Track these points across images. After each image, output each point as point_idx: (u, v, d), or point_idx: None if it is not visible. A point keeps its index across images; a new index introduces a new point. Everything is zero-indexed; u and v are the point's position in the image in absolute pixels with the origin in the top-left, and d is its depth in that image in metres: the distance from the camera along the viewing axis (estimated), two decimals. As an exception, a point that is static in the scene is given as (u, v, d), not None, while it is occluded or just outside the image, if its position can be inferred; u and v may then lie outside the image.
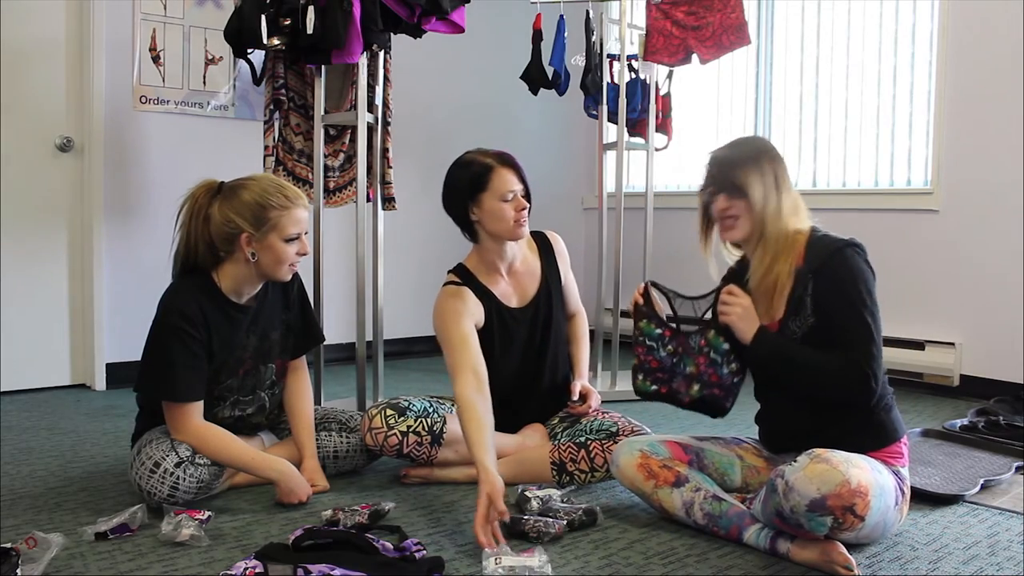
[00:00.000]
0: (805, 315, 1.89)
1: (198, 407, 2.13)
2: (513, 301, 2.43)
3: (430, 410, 2.33)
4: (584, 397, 2.44)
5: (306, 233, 2.19)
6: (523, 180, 2.32)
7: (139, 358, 2.14)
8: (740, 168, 1.95)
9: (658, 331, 2.12)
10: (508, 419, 2.43)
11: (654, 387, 2.12)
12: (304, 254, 2.17)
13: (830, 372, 1.86)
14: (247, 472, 2.17)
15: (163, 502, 2.04)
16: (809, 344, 1.89)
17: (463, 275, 2.39)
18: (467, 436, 2.03)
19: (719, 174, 1.98)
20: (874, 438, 1.90)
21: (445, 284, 2.39)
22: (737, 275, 2.10)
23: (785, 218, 1.93)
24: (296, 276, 2.31)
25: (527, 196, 2.33)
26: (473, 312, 2.31)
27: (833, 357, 1.87)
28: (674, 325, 2.13)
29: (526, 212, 2.30)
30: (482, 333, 2.31)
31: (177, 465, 2.05)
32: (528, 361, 2.45)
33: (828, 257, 1.88)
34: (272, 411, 2.38)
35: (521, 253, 2.46)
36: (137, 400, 2.30)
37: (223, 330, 2.16)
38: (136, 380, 2.17)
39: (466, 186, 2.31)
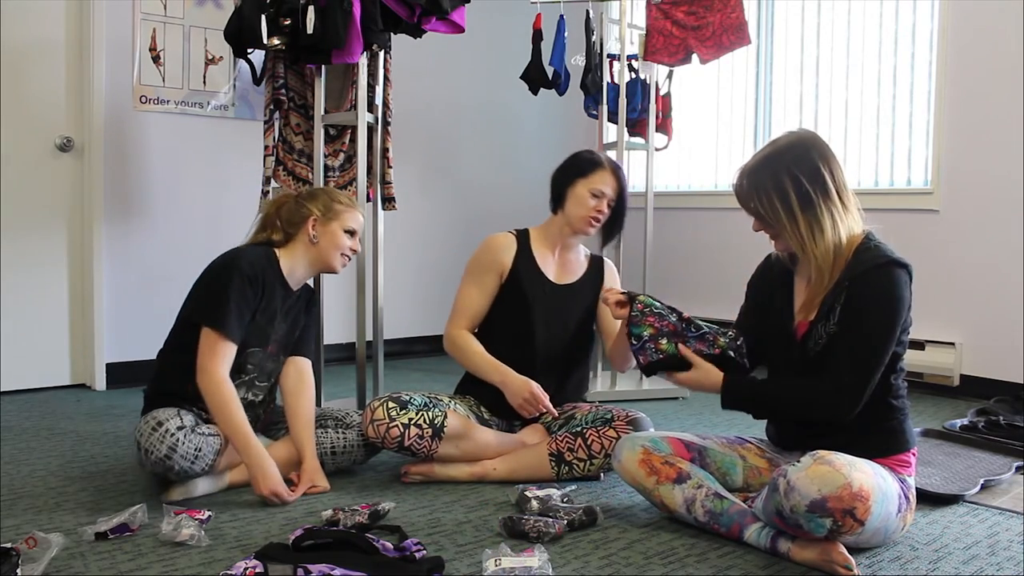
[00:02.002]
0: (831, 323, 1.87)
1: (231, 353, 2.20)
2: (550, 274, 2.56)
3: (431, 404, 2.35)
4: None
5: (361, 241, 2.47)
6: (620, 195, 2.53)
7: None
8: (754, 198, 1.90)
9: (658, 302, 2.08)
10: (510, 415, 2.44)
11: (676, 347, 2.06)
12: (356, 251, 2.44)
13: (807, 400, 1.89)
14: (232, 440, 2.16)
15: (157, 464, 2.05)
16: (831, 346, 1.87)
17: (522, 233, 2.60)
18: (475, 356, 2.45)
19: (741, 200, 1.94)
20: (884, 445, 1.89)
21: (505, 232, 2.61)
22: (773, 269, 2.08)
23: (825, 233, 1.85)
24: (316, 299, 2.54)
25: (616, 211, 2.53)
26: (503, 265, 2.53)
27: (811, 384, 1.88)
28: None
29: (602, 216, 2.51)
30: (506, 285, 2.52)
31: (179, 429, 2.09)
32: (538, 337, 2.49)
33: (868, 271, 1.83)
34: (269, 405, 2.43)
35: (576, 253, 2.64)
36: (145, 395, 2.31)
37: (271, 300, 2.31)
38: (185, 308, 2.29)
39: (573, 168, 2.55)
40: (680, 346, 2.04)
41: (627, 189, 2.55)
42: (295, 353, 2.43)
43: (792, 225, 1.86)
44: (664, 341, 2.06)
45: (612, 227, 2.58)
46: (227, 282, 2.22)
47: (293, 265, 2.38)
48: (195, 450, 2.09)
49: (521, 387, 2.36)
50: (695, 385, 2.03)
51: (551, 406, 2.37)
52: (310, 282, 2.55)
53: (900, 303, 1.83)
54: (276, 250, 2.38)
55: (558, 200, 2.56)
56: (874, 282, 1.82)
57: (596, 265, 2.65)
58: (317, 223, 2.38)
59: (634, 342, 2.08)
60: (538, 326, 2.50)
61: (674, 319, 2.06)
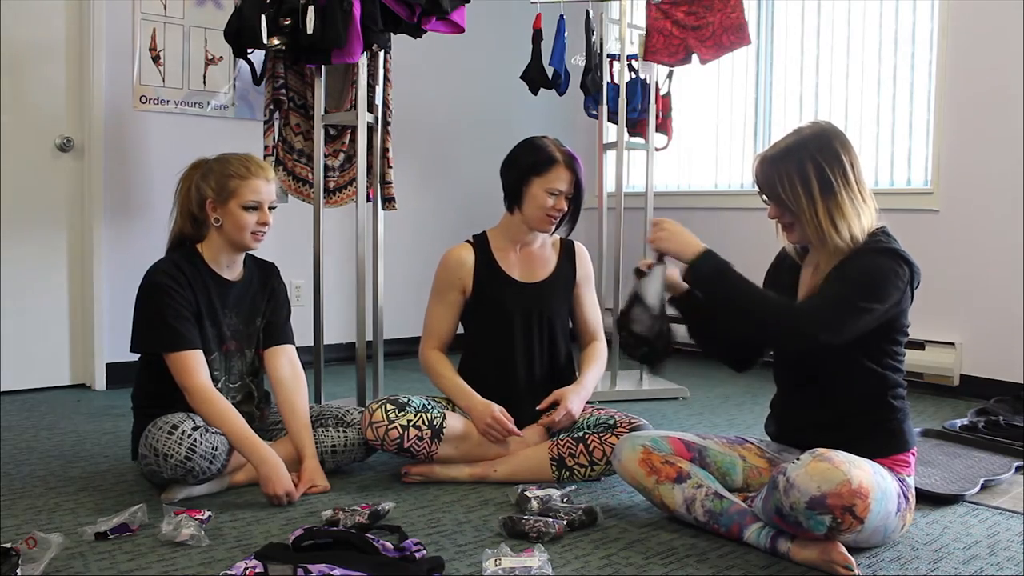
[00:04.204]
0: None
1: (201, 360, 2.18)
2: (515, 273, 2.50)
3: (430, 406, 2.36)
4: (556, 403, 2.41)
5: (272, 208, 2.30)
6: (577, 187, 2.45)
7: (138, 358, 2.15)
8: (776, 183, 1.89)
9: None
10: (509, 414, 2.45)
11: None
12: (265, 223, 2.28)
13: (765, 305, 1.86)
14: (236, 446, 2.16)
15: (177, 467, 2.04)
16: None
17: (479, 239, 2.54)
18: (442, 380, 2.44)
19: (762, 183, 1.94)
20: (884, 444, 1.89)
21: (462, 244, 2.55)
22: (784, 261, 2.09)
23: (847, 221, 1.84)
24: (278, 275, 2.45)
25: (575, 203, 2.46)
26: (464, 280, 2.48)
27: (779, 297, 1.89)
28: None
29: (560, 214, 2.43)
30: (474, 299, 2.48)
31: (195, 429, 2.08)
32: (521, 339, 2.47)
33: (861, 251, 1.84)
34: (259, 401, 2.42)
35: (541, 242, 2.56)
36: (132, 399, 2.32)
37: (206, 294, 2.26)
38: (131, 341, 2.25)
39: (527, 165, 2.43)
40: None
41: (583, 178, 2.45)
42: (275, 342, 2.40)
43: (811, 211, 1.86)
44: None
45: (568, 218, 2.49)
46: (153, 302, 2.20)
47: (215, 253, 2.30)
48: (212, 449, 2.09)
49: (483, 412, 2.34)
50: (676, 239, 1.97)
51: (516, 429, 2.35)
52: (270, 259, 2.48)
53: (887, 279, 1.80)
54: (197, 245, 2.31)
55: (513, 199, 2.46)
56: (869, 257, 1.83)
57: (568, 253, 2.58)
58: (215, 206, 2.25)
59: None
60: (516, 330, 2.46)
61: None
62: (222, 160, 2.30)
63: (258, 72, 3.20)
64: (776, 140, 1.97)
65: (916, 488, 1.97)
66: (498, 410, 2.34)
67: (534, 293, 2.50)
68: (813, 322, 1.80)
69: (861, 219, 1.87)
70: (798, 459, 1.74)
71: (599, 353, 2.57)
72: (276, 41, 2.88)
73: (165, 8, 3.78)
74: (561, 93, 3.91)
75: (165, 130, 3.80)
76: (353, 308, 3.29)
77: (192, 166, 2.35)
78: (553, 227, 2.46)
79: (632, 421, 2.37)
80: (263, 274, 2.43)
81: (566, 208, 2.44)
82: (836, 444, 1.80)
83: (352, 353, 3.64)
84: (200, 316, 2.24)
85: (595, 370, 2.53)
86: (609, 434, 2.34)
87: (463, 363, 2.55)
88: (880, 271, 1.81)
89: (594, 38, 3.79)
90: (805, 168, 1.87)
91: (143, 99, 3.75)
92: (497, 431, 2.33)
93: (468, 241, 2.54)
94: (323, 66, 3.07)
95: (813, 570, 1.76)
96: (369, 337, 3.20)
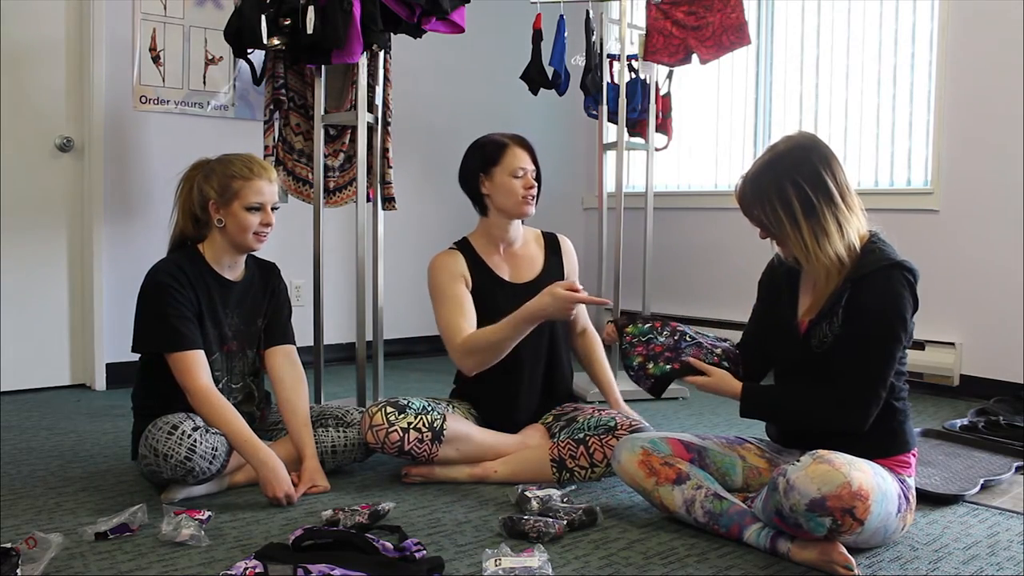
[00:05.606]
0: (836, 323, 1.87)
1: (203, 360, 2.18)
2: (505, 275, 2.50)
3: (429, 408, 2.34)
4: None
5: (275, 208, 2.31)
6: (535, 163, 2.46)
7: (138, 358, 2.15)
8: (757, 207, 1.89)
9: (647, 326, 2.14)
10: (506, 415, 2.44)
11: (668, 367, 2.08)
12: (268, 224, 2.29)
13: (819, 408, 1.89)
14: (236, 448, 2.16)
15: (177, 467, 2.04)
16: (835, 352, 1.88)
17: (462, 244, 2.52)
18: (489, 332, 2.28)
19: (744, 210, 1.94)
20: (885, 445, 1.89)
21: (445, 249, 2.52)
22: (779, 267, 2.09)
23: (831, 239, 1.83)
24: (279, 275, 2.46)
25: (538, 179, 2.46)
26: (463, 274, 2.44)
27: (823, 392, 1.88)
28: (656, 318, 2.18)
29: (534, 191, 2.43)
30: (472, 297, 2.44)
31: (195, 429, 2.07)
32: (524, 340, 2.43)
33: (872, 272, 1.82)
34: (260, 402, 2.42)
35: (524, 239, 2.55)
36: (132, 399, 2.32)
37: (208, 295, 2.27)
38: (132, 341, 2.24)
39: (481, 159, 2.45)
40: (673, 366, 2.08)
41: (537, 154, 2.46)
42: (275, 342, 2.41)
43: (796, 233, 1.86)
44: (651, 365, 2.10)
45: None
46: (155, 302, 2.19)
47: (217, 254, 2.30)
48: (212, 449, 2.09)
49: (558, 297, 2.19)
50: (713, 390, 2.03)
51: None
52: (270, 259, 2.48)
53: (904, 306, 1.82)
54: (199, 245, 2.31)
55: (481, 202, 2.46)
56: (878, 285, 1.82)
57: (552, 247, 2.58)
58: (218, 207, 2.25)
59: (630, 373, 2.14)
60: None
61: (663, 339, 2.10)
62: (224, 161, 2.29)
63: (258, 72, 3.20)
64: (755, 160, 1.96)
65: (916, 488, 1.97)
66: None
67: (529, 295, 2.45)
68: (863, 411, 1.84)
69: (847, 234, 1.86)
70: (798, 460, 1.74)
71: (598, 348, 2.61)
72: (276, 41, 2.88)
73: (165, 8, 3.78)
74: (561, 93, 3.91)
75: (165, 130, 3.80)
76: (353, 308, 3.28)
77: (193, 167, 2.35)
78: (532, 208, 2.44)
79: (633, 424, 2.36)
80: (264, 274, 2.44)
81: (536, 185, 2.44)
82: (837, 445, 1.80)
83: (352, 353, 3.65)
84: (202, 316, 2.24)
85: (609, 371, 2.59)
86: (610, 436, 2.33)
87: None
88: (893, 303, 1.81)
89: (594, 38, 3.79)
90: (784, 190, 1.85)
91: (143, 99, 3.75)
92: (569, 304, 2.20)
93: (452, 247, 2.52)
94: (323, 66, 3.07)
95: (813, 570, 1.76)
96: (369, 337, 3.19)
